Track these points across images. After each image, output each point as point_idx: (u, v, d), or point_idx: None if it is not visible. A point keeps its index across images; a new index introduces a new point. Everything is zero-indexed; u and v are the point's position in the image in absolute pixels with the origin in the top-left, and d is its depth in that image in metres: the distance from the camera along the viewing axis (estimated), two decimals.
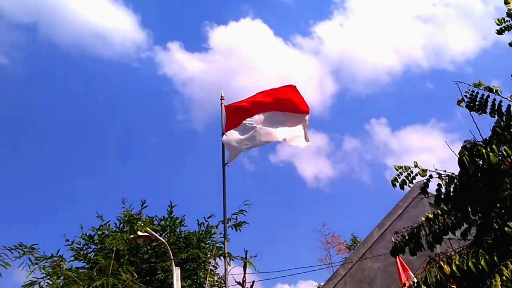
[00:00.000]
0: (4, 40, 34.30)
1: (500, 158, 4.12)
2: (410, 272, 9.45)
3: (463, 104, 4.83)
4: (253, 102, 9.73)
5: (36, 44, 36.59)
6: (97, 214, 8.73)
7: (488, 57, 38.51)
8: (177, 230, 9.23)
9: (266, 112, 9.55)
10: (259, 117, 9.49)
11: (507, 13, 4.95)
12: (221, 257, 8.87)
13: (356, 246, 23.78)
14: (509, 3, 4.95)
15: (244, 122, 9.49)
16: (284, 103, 9.70)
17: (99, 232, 8.65)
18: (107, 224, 8.67)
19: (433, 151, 38.79)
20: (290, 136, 9.56)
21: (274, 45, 41.16)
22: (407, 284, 4.80)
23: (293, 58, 42.28)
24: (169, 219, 9.17)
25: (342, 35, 43.11)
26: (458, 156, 4.19)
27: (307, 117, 9.73)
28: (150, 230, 7.81)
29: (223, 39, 40.56)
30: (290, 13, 45.20)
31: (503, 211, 4.20)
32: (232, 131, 9.51)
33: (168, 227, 9.13)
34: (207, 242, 9.14)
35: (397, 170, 4.69)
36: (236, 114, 9.80)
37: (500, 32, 4.98)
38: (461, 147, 4.31)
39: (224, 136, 9.47)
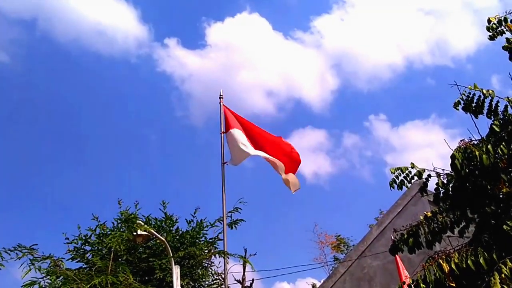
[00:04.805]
0: (3, 36, 34.27)
1: (496, 156, 4.13)
2: (405, 271, 9.47)
3: (460, 107, 4.84)
4: (250, 128, 9.89)
5: (35, 40, 36.58)
6: (92, 216, 8.67)
7: (490, 51, 38.45)
8: (173, 228, 9.17)
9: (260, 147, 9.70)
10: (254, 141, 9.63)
11: (488, 22, 5.04)
12: (217, 255, 8.85)
13: (341, 246, 24.04)
14: (491, 21, 5.03)
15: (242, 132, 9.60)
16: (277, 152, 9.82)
17: (96, 232, 8.60)
18: (103, 224, 8.62)
19: (434, 146, 38.85)
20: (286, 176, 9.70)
21: (273, 39, 41.07)
22: (407, 282, 4.79)
23: (293, 53, 42.18)
24: (164, 218, 9.13)
25: (343, 29, 42.94)
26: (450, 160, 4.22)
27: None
28: (149, 228, 7.81)
29: (221, 34, 40.49)
30: (288, 7, 45.10)
31: (499, 210, 4.20)
32: (236, 131, 9.53)
33: (164, 227, 9.09)
34: (201, 239, 9.09)
35: (393, 173, 4.68)
36: (237, 118, 9.88)
37: (492, 38, 5.03)
38: (455, 149, 4.31)
39: (229, 134, 9.49)
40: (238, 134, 9.52)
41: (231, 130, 9.57)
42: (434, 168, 4.65)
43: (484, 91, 4.74)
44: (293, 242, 38.18)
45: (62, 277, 7.02)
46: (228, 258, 8.73)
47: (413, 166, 4.66)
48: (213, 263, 9.28)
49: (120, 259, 8.20)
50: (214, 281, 9.30)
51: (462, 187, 4.38)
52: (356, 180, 41.33)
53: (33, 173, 35.45)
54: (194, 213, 9.26)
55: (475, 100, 4.80)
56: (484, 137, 4.46)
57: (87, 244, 8.44)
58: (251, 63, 41.36)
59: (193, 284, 8.78)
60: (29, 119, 35.95)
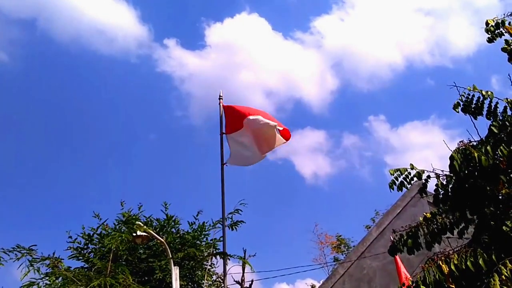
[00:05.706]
0: (3, 36, 34.22)
1: (496, 157, 4.13)
2: (405, 271, 9.46)
3: (459, 108, 4.84)
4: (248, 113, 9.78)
5: (35, 40, 36.54)
6: (94, 213, 8.69)
7: (489, 51, 38.37)
8: (174, 229, 9.19)
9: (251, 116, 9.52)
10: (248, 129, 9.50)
11: (486, 24, 5.06)
12: (217, 257, 8.85)
13: (341, 246, 24.02)
14: (489, 23, 5.04)
15: (243, 130, 9.47)
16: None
17: (98, 232, 8.62)
18: (105, 224, 8.64)
19: (434, 147, 38.82)
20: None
21: (272, 40, 40.97)
22: (406, 284, 4.78)
23: (293, 53, 42.11)
24: (166, 219, 9.13)
25: (342, 29, 42.81)
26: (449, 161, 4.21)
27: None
28: (148, 229, 7.81)
29: (221, 35, 40.41)
30: (288, 7, 44.98)
31: (498, 211, 4.20)
32: (239, 132, 9.42)
33: (165, 227, 9.10)
34: (202, 240, 9.10)
35: (393, 175, 4.68)
36: (237, 116, 9.80)
37: (490, 40, 5.04)
38: (453, 150, 4.31)
39: (232, 137, 9.39)
40: (243, 137, 9.38)
41: (235, 133, 9.42)
42: (433, 169, 4.65)
43: (483, 92, 4.74)
44: (293, 242, 38.16)
45: (61, 278, 7.01)
46: (229, 260, 8.74)
47: (412, 167, 4.66)
48: (214, 264, 9.30)
49: (120, 260, 8.21)
50: (214, 282, 9.31)
51: (461, 188, 4.37)
52: (355, 180, 41.34)
53: (33, 173, 35.43)
54: (197, 215, 9.29)
55: (474, 101, 4.80)
56: (483, 138, 4.46)
57: (90, 243, 8.46)
58: (250, 64, 41.35)
59: (192, 285, 8.78)
60: (29, 119, 35.92)
